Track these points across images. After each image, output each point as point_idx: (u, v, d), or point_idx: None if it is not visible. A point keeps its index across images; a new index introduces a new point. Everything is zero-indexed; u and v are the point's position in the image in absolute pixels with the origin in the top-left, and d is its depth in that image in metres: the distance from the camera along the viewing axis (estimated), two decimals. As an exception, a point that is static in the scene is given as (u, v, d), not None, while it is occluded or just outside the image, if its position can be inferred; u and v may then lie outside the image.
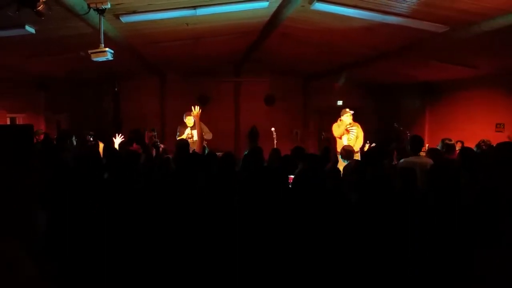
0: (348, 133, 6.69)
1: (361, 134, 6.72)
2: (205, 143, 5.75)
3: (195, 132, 6.73)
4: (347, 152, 5.01)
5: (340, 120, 6.84)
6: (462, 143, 6.88)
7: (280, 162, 4.05)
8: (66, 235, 2.51)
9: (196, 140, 6.63)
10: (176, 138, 6.16)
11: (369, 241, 2.40)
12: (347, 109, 6.84)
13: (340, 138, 6.70)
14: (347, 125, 6.70)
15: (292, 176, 3.74)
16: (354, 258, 2.37)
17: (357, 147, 6.38)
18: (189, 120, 6.58)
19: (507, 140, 5.79)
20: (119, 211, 2.67)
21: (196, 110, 5.35)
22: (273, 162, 4.29)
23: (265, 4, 5.05)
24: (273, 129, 7.54)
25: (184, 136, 6.29)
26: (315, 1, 4.84)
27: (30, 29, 4.87)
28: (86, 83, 9.65)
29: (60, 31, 5.20)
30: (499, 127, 7.73)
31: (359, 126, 6.80)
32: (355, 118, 6.92)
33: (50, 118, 9.39)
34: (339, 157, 5.09)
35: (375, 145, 6.17)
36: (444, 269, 2.23)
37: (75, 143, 4.57)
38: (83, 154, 3.93)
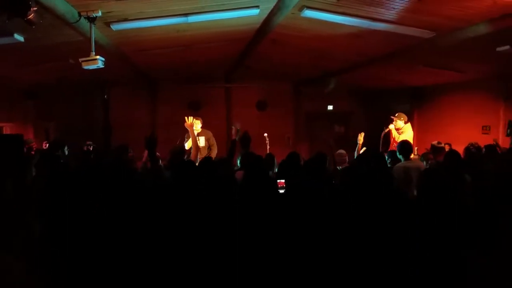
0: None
1: (407, 134, 6.38)
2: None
3: (202, 139, 6.80)
4: (340, 156, 5.07)
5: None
6: (450, 145, 6.99)
7: (278, 168, 4.09)
8: (66, 236, 2.51)
9: (202, 146, 6.71)
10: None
11: (364, 243, 2.43)
12: (396, 115, 6.54)
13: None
14: (394, 131, 6.48)
15: (283, 181, 3.77)
16: (348, 261, 2.40)
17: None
18: (196, 125, 6.62)
19: (492, 142, 5.90)
20: (116, 215, 2.68)
21: (190, 119, 5.39)
22: (268, 167, 4.32)
23: (256, 11, 5.10)
24: (265, 134, 7.57)
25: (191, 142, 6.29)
26: (305, 8, 4.90)
27: (19, 37, 4.84)
28: (76, 91, 9.58)
29: (50, 39, 5.18)
30: (485, 129, 7.88)
31: (406, 128, 6.52)
32: (346, 122, 6.84)
33: (38, 126, 9.28)
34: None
35: (366, 150, 6.24)
36: (439, 271, 2.28)
37: (66, 152, 4.53)
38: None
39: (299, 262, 2.37)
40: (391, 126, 6.62)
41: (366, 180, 2.86)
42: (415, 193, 3.48)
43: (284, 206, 2.72)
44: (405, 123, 6.56)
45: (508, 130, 5.35)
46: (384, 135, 6.67)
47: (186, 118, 5.40)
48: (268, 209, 2.60)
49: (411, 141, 6.23)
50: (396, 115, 6.62)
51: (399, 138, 6.47)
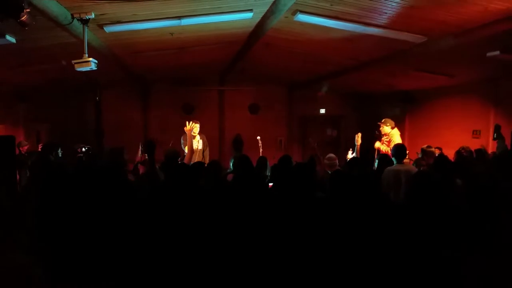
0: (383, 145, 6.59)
1: (395, 139, 6.46)
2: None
3: (201, 142, 6.80)
4: (331, 160, 5.10)
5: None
6: (440, 149, 7.06)
7: (270, 171, 4.10)
8: (63, 237, 2.49)
9: (200, 149, 6.70)
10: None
11: (357, 247, 2.45)
12: (383, 121, 6.68)
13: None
14: (383, 136, 6.62)
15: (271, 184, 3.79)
16: (341, 264, 2.42)
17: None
18: (195, 129, 6.62)
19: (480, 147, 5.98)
20: (113, 217, 2.67)
21: (190, 125, 5.46)
22: (261, 169, 4.33)
23: (249, 15, 5.12)
24: (258, 137, 7.59)
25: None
26: (298, 12, 4.94)
27: (10, 38, 4.80)
28: (67, 92, 9.51)
29: (42, 41, 5.14)
30: (476, 133, 7.98)
31: (393, 133, 6.58)
32: (337, 125, 6.89)
33: (29, 129, 9.20)
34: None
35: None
36: (432, 274, 2.30)
37: (60, 154, 4.50)
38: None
39: (291, 264, 2.38)
40: (377, 145, 6.60)
41: (356, 184, 2.89)
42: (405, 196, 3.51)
43: (274, 208, 2.73)
44: (392, 128, 6.60)
45: (495, 134, 5.44)
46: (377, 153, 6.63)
47: (187, 122, 5.46)
48: (258, 211, 2.61)
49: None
50: (383, 121, 6.66)
51: (388, 149, 6.50)
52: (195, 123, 6.76)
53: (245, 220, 2.62)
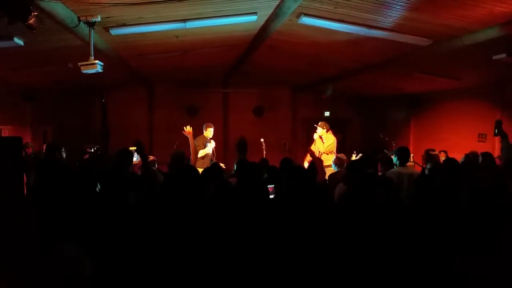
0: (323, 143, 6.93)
1: (327, 137, 6.87)
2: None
3: (209, 145, 6.71)
4: (340, 160, 5.12)
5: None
6: (446, 153, 7.03)
7: (268, 173, 4.10)
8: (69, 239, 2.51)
9: (210, 154, 6.68)
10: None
11: (355, 248, 2.45)
12: (319, 124, 7.03)
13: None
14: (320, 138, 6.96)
15: (272, 186, 3.79)
16: (340, 269, 2.42)
17: (322, 149, 6.69)
18: (209, 132, 6.60)
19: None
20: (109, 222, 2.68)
21: (188, 128, 5.45)
22: (262, 171, 4.33)
23: (254, 18, 5.14)
24: (262, 140, 7.62)
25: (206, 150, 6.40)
26: (302, 15, 4.95)
27: (18, 41, 4.86)
28: (74, 94, 9.60)
29: (49, 43, 5.21)
30: (481, 137, 7.92)
31: (328, 135, 6.94)
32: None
33: (36, 129, 9.28)
34: (332, 166, 5.17)
35: (361, 155, 6.30)
36: (434, 277, 2.29)
37: (64, 155, 4.52)
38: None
39: (290, 267, 2.38)
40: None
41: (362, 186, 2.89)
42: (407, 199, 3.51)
43: (277, 212, 2.74)
44: (327, 131, 6.95)
45: (496, 130, 5.42)
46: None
47: (184, 127, 5.48)
48: (261, 215, 2.61)
49: (334, 147, 6.76)
50: (319, 123, 7.02)
51: (324, 146, 6.77)
52: (209, 127, 6.71)
53: (249, 224, 2.63)
